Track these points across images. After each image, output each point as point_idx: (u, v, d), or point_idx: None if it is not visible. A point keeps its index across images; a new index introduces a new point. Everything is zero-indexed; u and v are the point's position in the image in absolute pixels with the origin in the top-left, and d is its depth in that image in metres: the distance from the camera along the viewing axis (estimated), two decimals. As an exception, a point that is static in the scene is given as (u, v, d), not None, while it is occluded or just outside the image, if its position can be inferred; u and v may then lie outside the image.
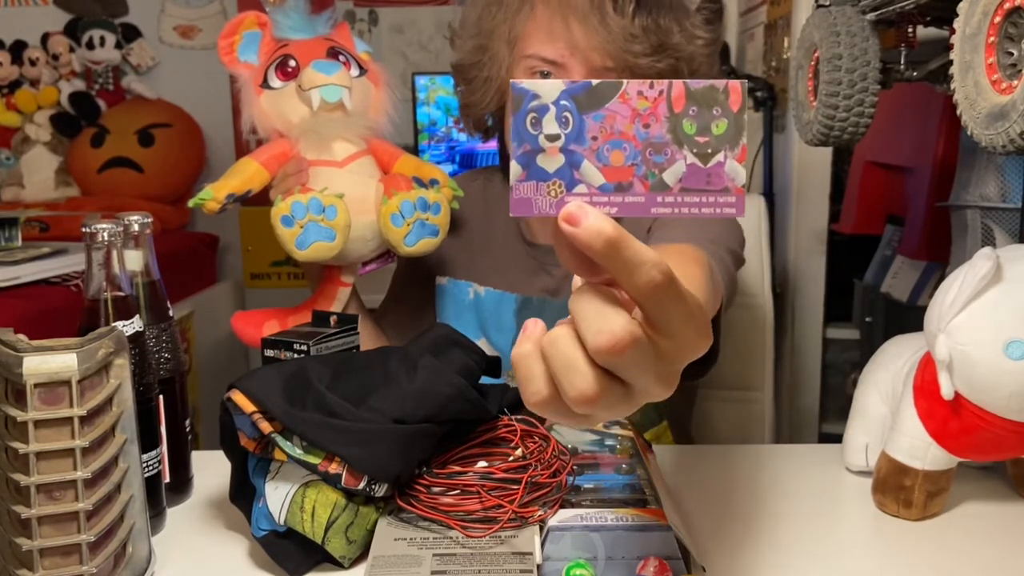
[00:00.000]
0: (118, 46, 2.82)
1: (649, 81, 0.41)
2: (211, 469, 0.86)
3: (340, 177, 0.96)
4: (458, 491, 0.72)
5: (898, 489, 0.80)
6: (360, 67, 1.00)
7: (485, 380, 0.82)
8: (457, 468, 0.74)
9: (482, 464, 0.75)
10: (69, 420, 0.62)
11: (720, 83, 0.41)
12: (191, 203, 0.94)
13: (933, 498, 0.80)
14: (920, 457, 0.79)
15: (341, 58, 0.98)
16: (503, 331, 1.09)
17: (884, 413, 0.86)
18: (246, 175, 0.95)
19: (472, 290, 1.11)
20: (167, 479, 0.83)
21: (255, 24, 0.98)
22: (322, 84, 0.94)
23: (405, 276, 1.20)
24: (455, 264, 1.14)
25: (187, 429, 0.86)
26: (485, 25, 1.01)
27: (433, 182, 1.00)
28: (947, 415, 0.76)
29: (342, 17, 2.81)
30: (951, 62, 0.78)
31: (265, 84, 0.97)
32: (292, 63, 0.96)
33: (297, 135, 0.96)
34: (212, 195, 0.93)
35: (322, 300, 1.03)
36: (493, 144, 1.18)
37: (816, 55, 1.04)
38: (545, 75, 0.97)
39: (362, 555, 0.71)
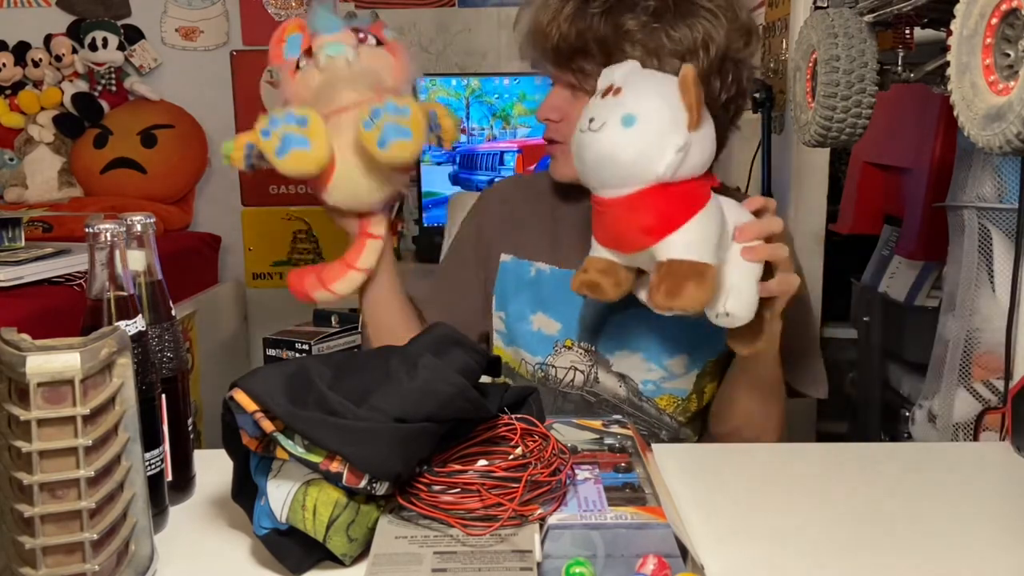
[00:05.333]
0: (121, 47, 2.82)
1: None
2: (213, 468, 0.86)
3: (347, 119, 1.01)
4: (458, 489, 0.72)
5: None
6: (378, 41, 1.06)
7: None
8: (457, 467, 0.75)
9: (482, 463, 0.76)
10: (72, 419, 0.62)
11: None
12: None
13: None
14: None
15: (360, 35, 1.05)
16: (567, 303, 1.15)
17: None
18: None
19: (534, 268, 1.18)
20: (169, 477, 0.83)
21: (296, 28, 1.06)
22: (326, 43, 1.02)
23: (460, 258, 1.25)
24: (519, 245, 1.20)
25: (189, 428, 0.86)
26: None
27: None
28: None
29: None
30: (948, 63, 0.78)
31: (297, 68, 1.04)
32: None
33: (314, 100, 1.02)
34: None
35: (352, 253, 1.09)
36: (493, 145, 1.21)
37: (814, 57, 1.04)
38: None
39: (363, 553, 0.71)
